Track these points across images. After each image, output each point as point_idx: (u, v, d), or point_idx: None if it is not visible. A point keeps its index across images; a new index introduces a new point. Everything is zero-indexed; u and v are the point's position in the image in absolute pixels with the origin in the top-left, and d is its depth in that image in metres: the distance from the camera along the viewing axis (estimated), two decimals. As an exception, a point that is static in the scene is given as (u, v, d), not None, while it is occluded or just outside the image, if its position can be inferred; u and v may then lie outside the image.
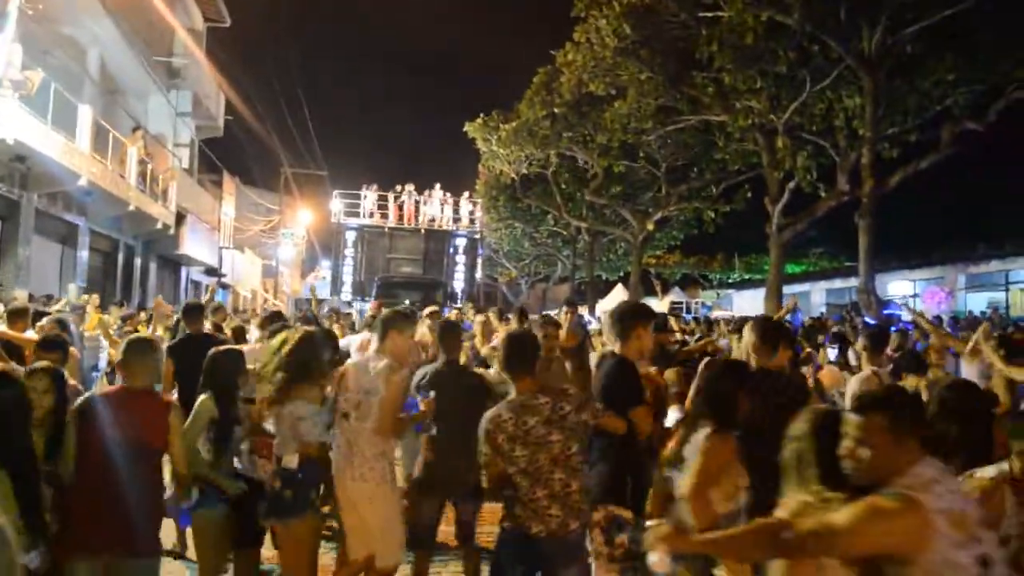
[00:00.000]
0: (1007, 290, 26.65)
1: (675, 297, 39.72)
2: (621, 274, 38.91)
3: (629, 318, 4.33)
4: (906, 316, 14.25)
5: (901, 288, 30.07)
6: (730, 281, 47.40)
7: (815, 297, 34.61)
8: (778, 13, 15.99)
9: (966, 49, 16.74)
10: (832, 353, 9.21)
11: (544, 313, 13.71)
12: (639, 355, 4.34)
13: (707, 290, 46.86)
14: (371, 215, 31.15)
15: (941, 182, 29.03)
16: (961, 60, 16.94)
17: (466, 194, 29.66)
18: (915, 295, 28.45)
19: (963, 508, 2.37)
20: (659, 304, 35.74)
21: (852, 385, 5.58)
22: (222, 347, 4.81)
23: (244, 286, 32.37)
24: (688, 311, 33.03)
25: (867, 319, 15.27)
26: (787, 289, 38.08)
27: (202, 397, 4.37)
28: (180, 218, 23.67)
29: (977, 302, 26.44)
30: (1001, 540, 2.64)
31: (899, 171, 17.94)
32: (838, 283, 33.63)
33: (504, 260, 41.83)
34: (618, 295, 33.60)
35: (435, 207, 30.51)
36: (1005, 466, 2.94)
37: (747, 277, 45.75)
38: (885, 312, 16.29)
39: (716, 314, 25.96)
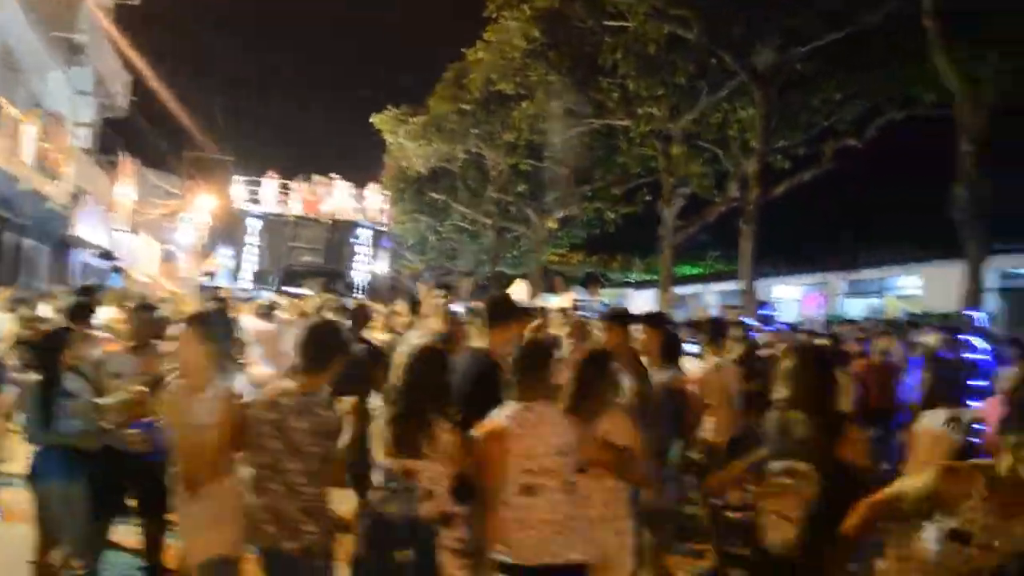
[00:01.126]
0: (880, 296, 28.36)
1: (575, 295, 40.57)
2: (523, 270, 39.51)
3: (502, 312, 4.32)
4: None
5: (788, 292, 31.57)
6: (630, 281, 48.59)
7: (708, 299, 35.92)
8: (679, 27, 16.73)
9: (852, 70, 17.84)
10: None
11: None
12: (506, 353, 4.16)
13: (607, 288, 47.97)
14: (273, 203, 30.96)
15: (828, 193, 30.56)
16: (848, 80, 18.04)
17: (370, 185, 29.60)
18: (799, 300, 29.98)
19: None
20: (560, 301, 36.50)
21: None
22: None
23: (141, 271, 31.56)
24: (587, 309, 33.86)
25: (746, 320, 16.21)
26: (682, 290, 39.45)
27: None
28: (75, 199, 23.04)
29: (857, 307, 28.00)
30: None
31: (785, 181, 19.00)
32: (732, 285, 34.96)
33: (408, 253, 41.92)
34: (519, 291, 34.18)
35: (340, 198, 30.53)
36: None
37: (645, 278, 47.00)
38: (762, 312, 17.27)
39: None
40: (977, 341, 11.64)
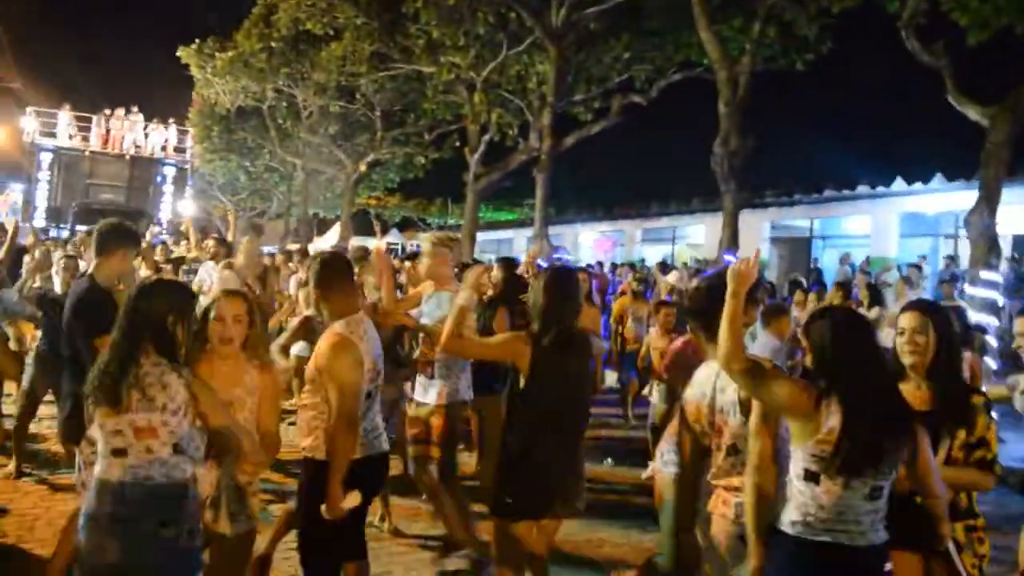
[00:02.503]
0: (674, 243, 30.56)
1: (392, 238, 41.09)
2: (338, 212, 39.44)
3: (111, 238, 4.49)
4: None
5: (591, 238, 33.42)
6: (447, 225, 49.41)
7: (518, 243, 37.28)
8: (476, -20, 17.36)
9: (638, 32, 19.10)
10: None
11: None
12: (113, 279, 4.47)
13: (425, 232, 48.61)
14: (70, 137, 29.42)
15: (628, 145, 32.49)
16: (635, 41, 19.30)
17: (170, 121, 28.56)
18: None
19: None
20: (378, 244, 36.81)
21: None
22: None
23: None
24: (403, 251, 34.45)
25: (541, 262, 17.40)
26: (493, 235, 40.75)
27: None
28: None
29: (653, 254, 30.03)
30: None
31: (574, 133, 20.20)
32: (548, 229, 36.43)
33: (219, 193, 40.82)
34: (335, 234, 34.28)
35: (139, 132, 29.39)
36: None
37: (461, 222, 47.93)
38: (554, 256, 18.46)
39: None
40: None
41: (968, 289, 11.63)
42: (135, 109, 30.55)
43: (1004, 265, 15.22)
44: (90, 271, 4.48)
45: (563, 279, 4.07)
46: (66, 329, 4.38)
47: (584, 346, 4.05)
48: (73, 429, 4.13)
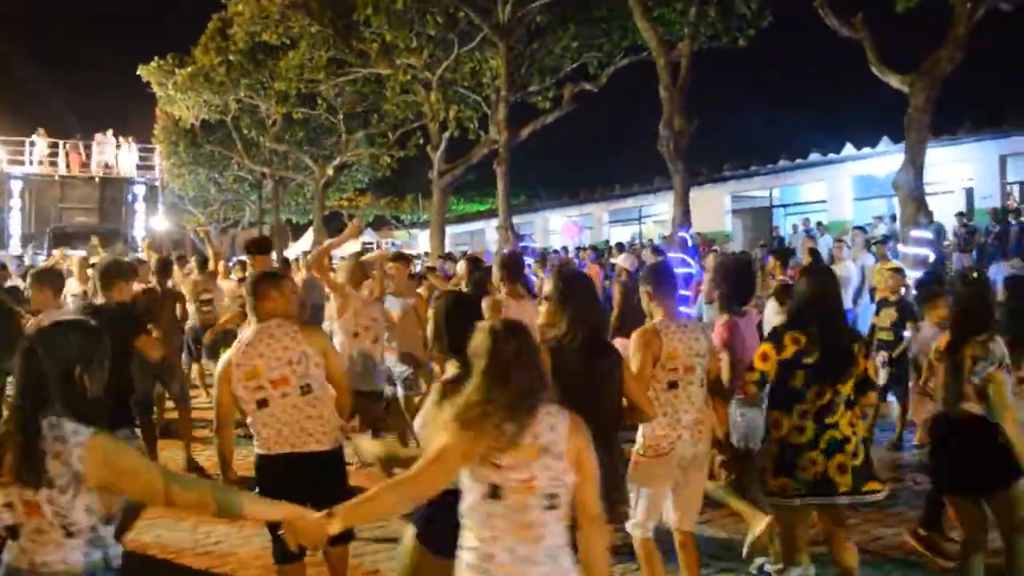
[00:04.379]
0: (641, 223, 31.20)
1: (367, 237, 41.48)
2: (312, 217, 39.84)
3: (112, 274, 5.34)
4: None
5: (558, 223, 34.00)
6: (420, 221, 49.88)
7: (489, 233, 37.79)
8: (421, -16, 17.90)
9: (586, 21, 19.69)
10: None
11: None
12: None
13: (400, 230, 49.03)
14: (41, 163, 29.70)
15: (590, 129, 33.14)
16: (582, 30, 19.88)
17: (137, 139, 28.83)
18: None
19: None
20: (353, 244, 37.25)
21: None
22: None
23: None
24: (378, 249, 34.93)
25: (505, 251, 18.07)
26: (466, 227, 41.27)
27: None
28: None
29: (620, 234, 30.65)
30: None
31: (530, 124, 20.79)
32: (519, 218, 36.99)
33: (190, 206, 41.15)
34: (309, 238, 34.67)
35: (109, 153, 29.68)
36: None
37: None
38: (520, 245, 19.06)
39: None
40: (687, 259, 13.90)
41: (900, 248, 12.31)
42: (109, 133, 30.86)
43: (955, 222, 15.95)
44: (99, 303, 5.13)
45: (582, 282, 4.05)
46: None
47: (610, 350, 3.94)
48: None
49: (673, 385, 4.17)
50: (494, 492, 2.53)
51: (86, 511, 2.45)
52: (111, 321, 4.89)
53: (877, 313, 8.14)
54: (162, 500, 2.54)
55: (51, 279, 5.69)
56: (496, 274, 7.12)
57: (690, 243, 16.15)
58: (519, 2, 18.60)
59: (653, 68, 17.74)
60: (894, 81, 12.49)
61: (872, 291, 10.74)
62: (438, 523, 2.93)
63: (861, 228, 15.06)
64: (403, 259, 8.08)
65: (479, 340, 2.63)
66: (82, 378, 2.56)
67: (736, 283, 5.32)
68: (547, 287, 3.94)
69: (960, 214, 16.63)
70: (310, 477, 3.97)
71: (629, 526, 4.22)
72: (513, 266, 6.76)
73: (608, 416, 3.75)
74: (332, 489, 3.76)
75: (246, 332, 4.22)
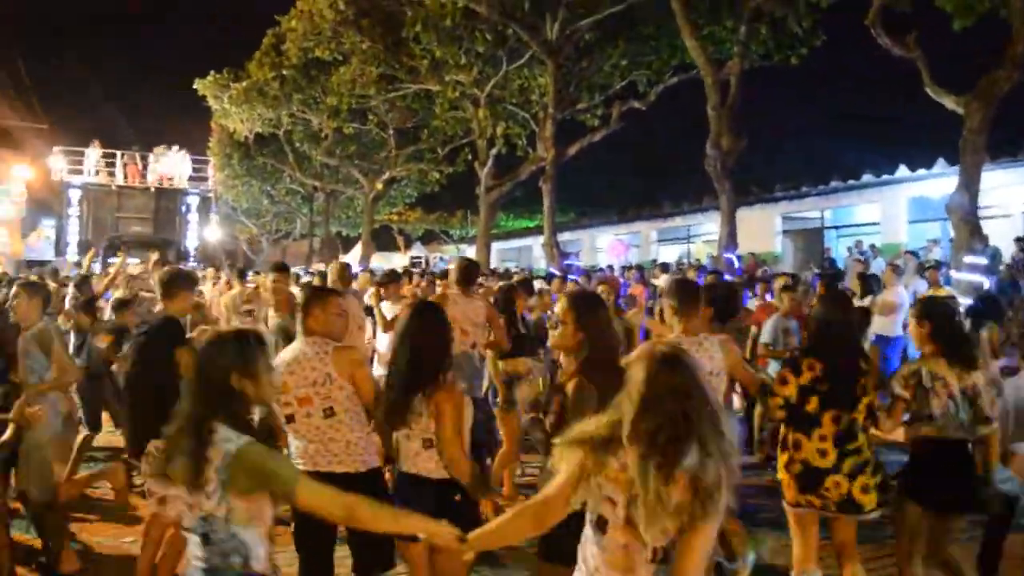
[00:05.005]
0: (689, 242, 30.89)
1: (416, 252, 41.77)
2: (361, 230, 40.21)
3: (175, 282, 5.24)
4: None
5: (606, 242, 33.82)
6: (469, 236, 50.06)
7: (536, 250, 37.75)
8: (470, 2, 17.92)
9: (635, 38, 19.59)
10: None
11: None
12: (183, 313, 5.29)
13: (448, 244, 49.28)
14: (97, 173, 30.42)
15: (639, 146, 32.98)
16: (631, 48, 19.78)
17: (197, 152, 29.31)
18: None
19: None
20: (401, 258, 37.59)
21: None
22: None
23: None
24: (427, 264, 35.12)
25: (552, 269, 17.96)
26: (513, 243, 41.27)
27: None
28: None
29: (668, 253, 30.38)
30: None
31: (577, 142, 20.72)
32: (567, 235, 36.93)
33: (243, 218, 41.82)
34: (358, 251, 34.98)
35: (169, 164, 30.30)
36: None
37: (482, 232, 48.45)
38: (564, 263, 18.95)
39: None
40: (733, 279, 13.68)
41: (953, 274, 11.94)
42: (166, 147, 31.52)
43: (1014, 247, 15.43)
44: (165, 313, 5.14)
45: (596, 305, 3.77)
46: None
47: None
48: None
49: None
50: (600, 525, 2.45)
51: (226, 519, 2.57)
52: (178, 330, 5.04)
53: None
54: (293, 500, 2.65)
55: (39, 291, 5.49)
56: (452, 276, 7.42)
57: (736, 264, 15.92)
58: (568, 20, 18.58)
59: (703, 86, 17.60)
60: (949, 102, 12.16)
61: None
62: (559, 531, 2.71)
63: (913, 253, 14.69)
64: (283, 271, 8.26)
65: (638, 366, 2.39)
66: (241, 386, 2.69)
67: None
68: (559, 309, 3.75)
69: (1019, 239, 16.11)
70: None
71: None
72: (467, 271, 7.02)
73: None
74: None
75: (290, 347, 4.24)
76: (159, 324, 5.10)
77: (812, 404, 4.15)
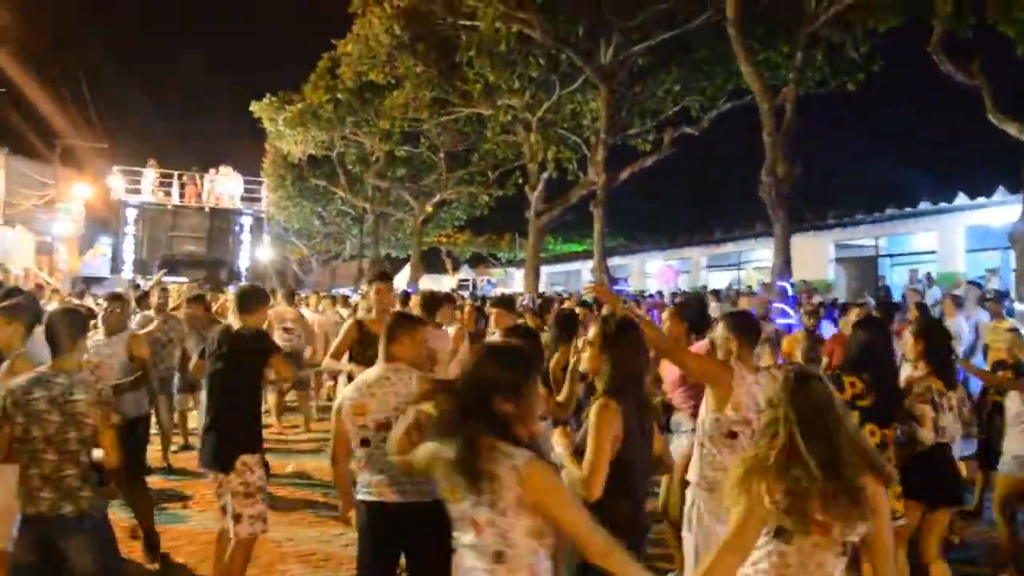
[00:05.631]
0: (740, 268, 30.54)
1: (464, 274, 41.92)
2: (410, 252, 40.48)
3: (252, 298, 5.36)
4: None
5: (657, 267, 33.58)
6: (517, 259, 50.12)
7: (585, 275, 37.61)
8: (525, 27, 18.02)
9: (688, 64, 19.53)
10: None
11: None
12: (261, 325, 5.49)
13: (496, 268, 49.37)
14: (153, 192, 31.06)
15: (690, 172, 32.80)
16: (684, 73, 19.72)
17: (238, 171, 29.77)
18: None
19: None
20: (450, 281, 37.76)
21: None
22: None
23: (15, 263, 31.31)
24: (475, 287, 35.24)
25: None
26: (562, 267, 41.20)
27: None
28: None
29: (719, 280, 30.09)
30: None
31: (628, 167, 20.64)
32: (616, 260, 36.78)
33: (294, 238, 42.35)
34: (406, 273, 35.23)
35: (224, 185, 30.84)
36: None
37: (530, 255, 48.47)
38: (615, 288, 18.78)
39: (497, 290, 28.30)
40: (787, 309, 13.48)
41: (1017, 306, 11.61)
42: (221, 167, 32.12)
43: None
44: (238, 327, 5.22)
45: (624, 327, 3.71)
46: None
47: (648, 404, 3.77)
48: None
49: (732, 435, 4.10)
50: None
51: (526, 534, 2.55)
52: (250, 346, 5.06)
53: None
54: (581, 542, 2.56)
55: (21, 314, 5.06)
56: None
57: (789, 292, 15.68)
58: (622, 45, 18.59)
59: (756, 111, 17.45)
60: (1012, 129, 11.89)
61: (986, 349, 10.13)
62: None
63: (976, 283, 14.30)
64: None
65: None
66: (505, 402, 2.64)
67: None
68: (592, 333, 3.77)
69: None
70: (399, 530, 3.93)
71: None
72: (429, 303, 7.41)
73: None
74: (424, 543, 3.74)
75: (371, 370, 4.20)
76: (252, 335, 5.12)
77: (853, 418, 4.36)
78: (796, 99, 15.61)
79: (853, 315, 7.97)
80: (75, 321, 4.05)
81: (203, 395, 5.93)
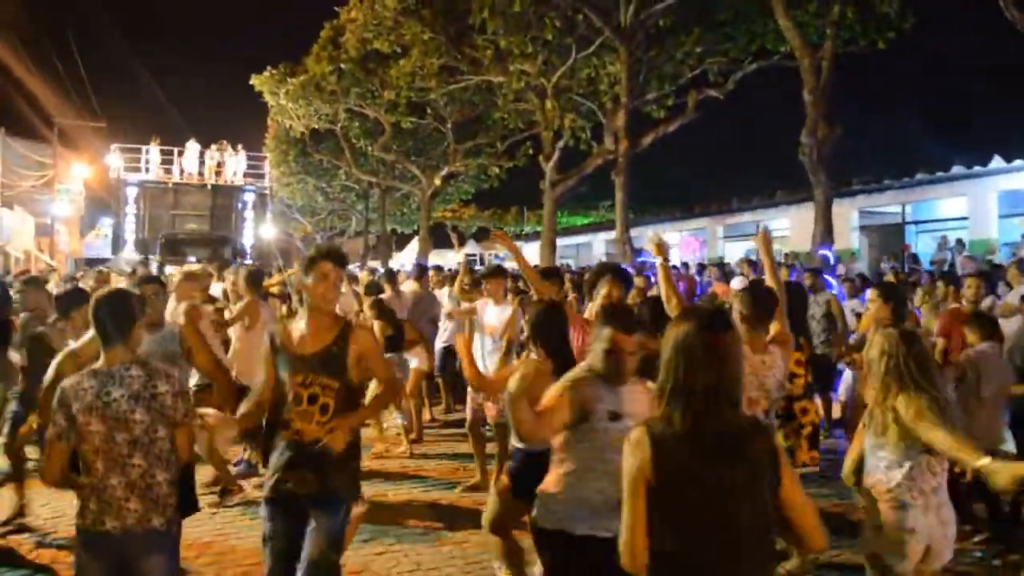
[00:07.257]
0: (758, 238, 29.72)
1: (470, 249, 41.15)
2: (416, 227, 39.70)
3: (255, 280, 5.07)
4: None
5: (671, 238, 32.75)
6: (523, 233, 49.34)
7: (597, 247, 36.86)
8: (541, -14, 17.10)
9: (710, 25, 18.60)
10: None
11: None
12: None
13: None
14: (156, 170, 30.24)
15: (704, 140, 31.81)
16: (706, 34, 18.79)
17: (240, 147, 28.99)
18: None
19: None
20: (456, 256, 37.02)
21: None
22: None
23: (15, 246, 30.53)
24: (482, 262, 34.44)
25: (624, 266, 17.01)
26: (572, 240, 40.38)
27: None
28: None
29: (735, 250, 29.30)
30: None
31: (651, 132, 19.73)
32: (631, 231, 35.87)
33: (298, 215, 41.58)
34: (414, 248, 34.48)
35: (225, 162, 30.02)
36: None
37: (538, 229, 47.67)
38: (638, 260, 17.99)
39: (509, 264, 27.47)
40: (829, 278, 12.72)
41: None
42: (226, 144, 31.29)
43: None
44: None
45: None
46: None
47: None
48: None
49: None
50: None
51: None
52: None
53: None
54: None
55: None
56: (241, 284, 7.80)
57: (831, 261, 14.91)
58: (642, 4, 17.63)
59: (777, 75, 16.63)
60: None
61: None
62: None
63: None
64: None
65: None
66: None
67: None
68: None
69: None
70: None
71: None
72: (254, 278, 7.67)
73: None
74: None
75: None
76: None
77: None
78: (833, 56, 14.71)
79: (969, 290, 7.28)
80: (127, 305, 3.46)
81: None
